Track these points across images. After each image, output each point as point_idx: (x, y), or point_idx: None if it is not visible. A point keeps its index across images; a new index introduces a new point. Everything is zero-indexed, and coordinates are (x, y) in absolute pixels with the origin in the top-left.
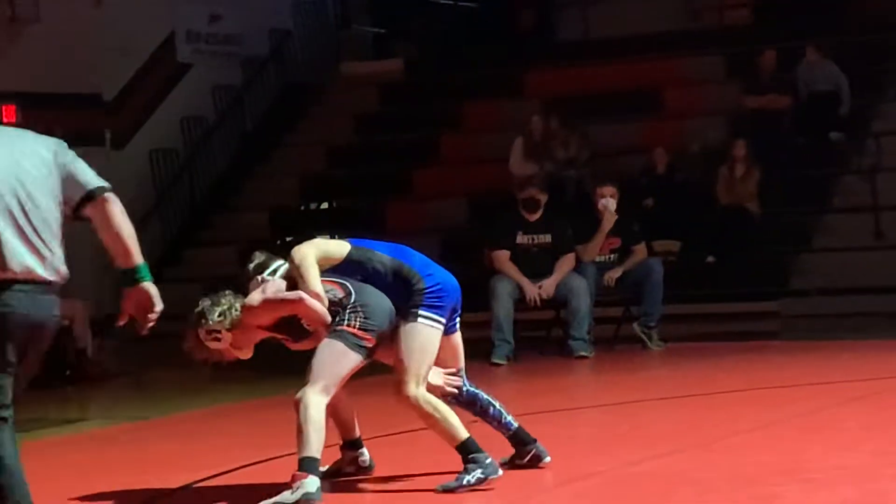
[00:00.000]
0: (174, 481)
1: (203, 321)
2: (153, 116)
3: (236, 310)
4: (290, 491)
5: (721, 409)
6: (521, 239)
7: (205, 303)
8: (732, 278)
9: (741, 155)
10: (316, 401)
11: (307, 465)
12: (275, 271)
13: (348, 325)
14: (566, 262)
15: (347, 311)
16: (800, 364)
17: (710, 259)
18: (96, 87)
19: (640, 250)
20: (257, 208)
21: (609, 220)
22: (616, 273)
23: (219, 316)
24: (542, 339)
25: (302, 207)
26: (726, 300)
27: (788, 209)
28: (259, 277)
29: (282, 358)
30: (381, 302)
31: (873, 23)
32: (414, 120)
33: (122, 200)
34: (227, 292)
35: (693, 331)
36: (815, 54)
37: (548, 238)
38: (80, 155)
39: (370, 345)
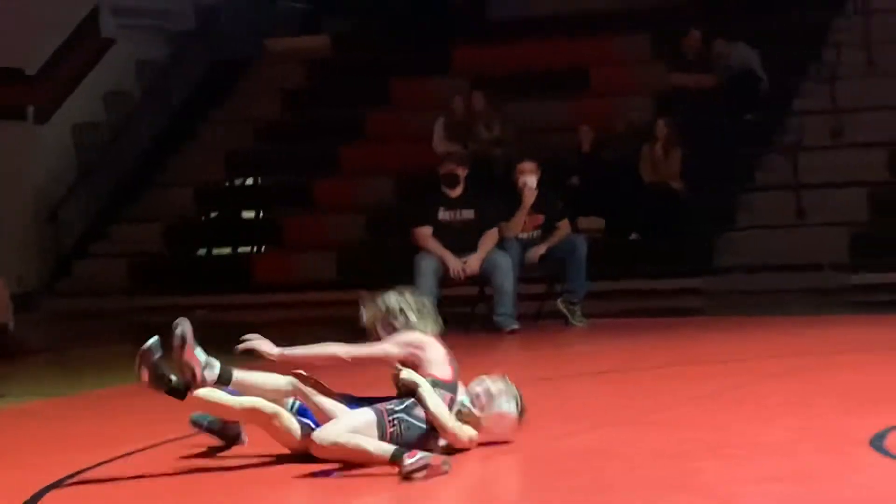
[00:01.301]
0: (95, 457)
1: None
2: (77, 91)
3: None
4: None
5: (644, 385)
6: (444, 215)
7: None
8: (657, 255)
9: (663, 134)
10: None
11: (395, 456)
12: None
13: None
14: (489, 238)
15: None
16: (722, 340)
17: (635, 236)
18: (18, 62)
19: (564, 227)
20: (183, 184)
21: (529, 197)
22: (540, 250)
23: None
24: (466, 316)
25: (228, 184)
26: (650, 277)
27: (712, 187)
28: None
29: (206, 336)
30: None
31: (796, 2)
32: (341, 97)
33: (44, 175)
34: None
35: (617, 307)
36: (721, 41)
37: (471, 214)
38: (2, 129)
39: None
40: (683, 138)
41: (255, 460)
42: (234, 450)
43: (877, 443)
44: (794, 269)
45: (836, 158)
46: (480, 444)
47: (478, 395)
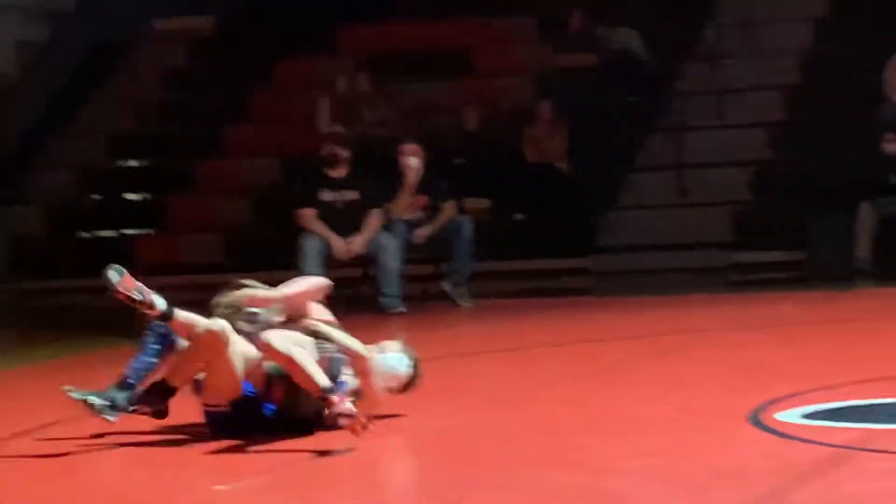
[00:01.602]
0: None
1: None
2: None
3: None
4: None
5: (529, 364)
6: (328, 196)
7: None
8: (542, 236)
9: (546, 115)
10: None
11: (329, 390)
12: None
13: None
14: (374, 219)
15: None
16: (608, 319)
17: (520, 217)
18: None
19: (449, 208)
20: (64, 167)
21: (413, 178)
22: (425, 231)
23: None
24: (351, 297)
25: (111, 166)
26: (536, 257)
27: (597, 168)
28: None
29: (91, 319)
30: None
31: None
32: (225, 77)
33: None
34: None
35: (503, 288)
36: (611, 16)
37: (355, 195)
38: None
39: None
40: (567, 119)
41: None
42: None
43: (755, 418)
44: (677, 248)
45: (718, 138)
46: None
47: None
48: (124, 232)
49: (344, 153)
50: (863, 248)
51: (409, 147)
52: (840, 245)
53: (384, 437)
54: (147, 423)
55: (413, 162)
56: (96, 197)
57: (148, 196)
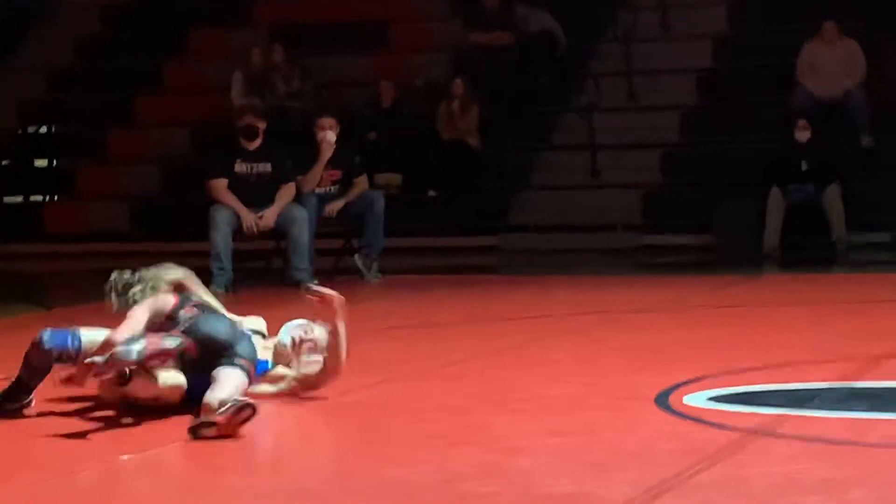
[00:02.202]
0: None
1: None
2: None
3: None
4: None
5: (437, 341)
6: (240, 167)
7: None
8: (453, 213)
9: (460, 92)
10: None
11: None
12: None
13: None
14: (286, 192)
15: None
16: (516, 298)
17: (432, 193)
18: None
19: (362, 182)
20: None
21: (327, 151)
22: (338, 205)
23: None
24: (262, 270)
25: (20, 132)
26: (447, 234)
27: (509, 146)
28: None
29: None
30: None
31: None
32: (137, 45)
33: None
34: None
35: (414, 264)
36: (522, 5)
37: (267, 167)
38: None
39: None
40: (480, 96)
41: None
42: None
43: (661, 400)
44: (587, 229)
45: (630, 120)
46: (273, 398)
47: (299, 338)
48: (32, 198)
49: (262, 125)
50: (771, 233)
51: (326, 121)
52: (748, 230)
53: (285, 412)
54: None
55: (329, 136)
56: (4, 162)
57: (56, 162)
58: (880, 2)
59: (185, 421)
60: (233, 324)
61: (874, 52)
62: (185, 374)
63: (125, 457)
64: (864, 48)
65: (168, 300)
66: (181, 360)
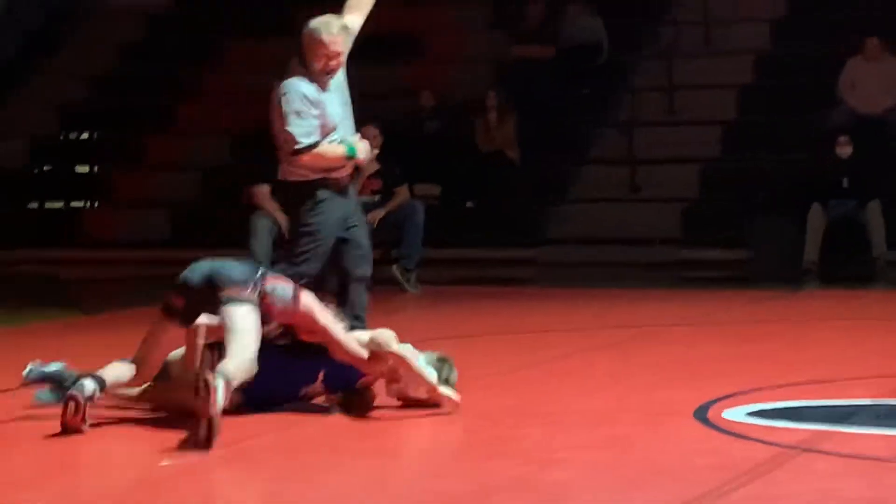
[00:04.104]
0: None
1: None
2: None
3: None
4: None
5: (473, 353)
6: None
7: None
8: (491, 224)
9: (493, 104)
10: None
11: None
12: None
13: None
14: None
15: None
16: (553, 310)
17: (469, 204)
18: None
19: (403, 192)
20: (15, 137)
21: (369, 162)
22: (379, 214)
23: None
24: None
25: (62, 137)
26: (484, 246)
27: (548, 158)
28: None
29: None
30: None
31: None
32: (179, 53)
33: None
34: None
35: (451, 275)
36: (579, 6)
37: None
38: None
39: None
40: (519, 109)
41: None
42: None
43: (700, 414)
44: (625, 242)
45: (670, 135)
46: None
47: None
48: (72, 204)
49: None
50: (811, 249)
51: (369, 131)
52: (787, 246)
53: (332, 420)
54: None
55: (371, 146)
56: (45, 168)
57: (96, 169)
58: None
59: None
60: (218, 259)
61: None
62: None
63: (165, 462)
64: None
65: None
66: (167, 310)
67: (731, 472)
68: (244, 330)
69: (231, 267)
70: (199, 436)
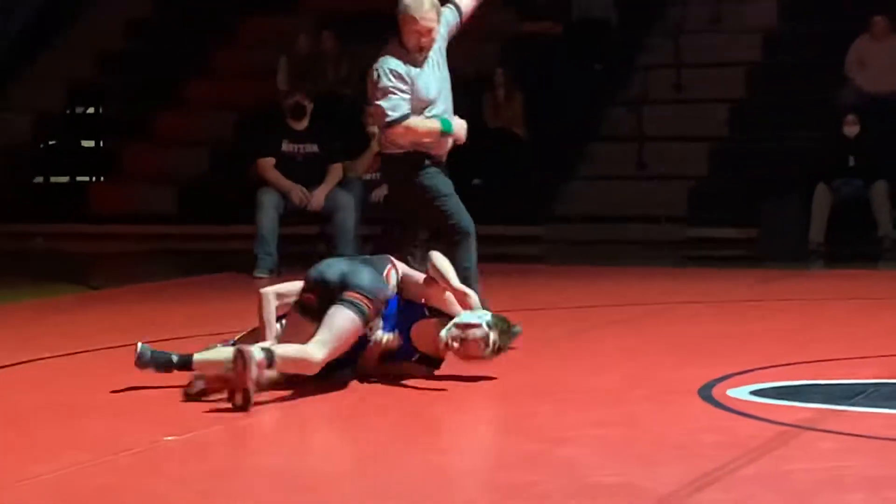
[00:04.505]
0: None
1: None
2: None
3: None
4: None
5: None
6: (287, 147)
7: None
8: (498, 201)
9: (500, 81)
10: None
11: None
12: None
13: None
14: (334, 172)
15: None
16: (560, 288)
17: (477, 181)
18: None
19: None
20: (22, 111)
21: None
22: (383, 190)
23: None
24: (307, 255)
25: (69, 112)
26: (491, 223)
27: (556, 136)
28: None
29: (41, 264)
30: None
31: None
32: (188, 30)
33: None
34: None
35: None
36: None
37: (314, 148)
38: None
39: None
40: (528, 86)
41: None
42: None
43: (704, 392)
44: (632, 220)
45: (678, 113)
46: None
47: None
48: (78, 179)
49: (309, 105)
50: (817, 229)
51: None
52: (794, 225)
53: (336, 395)
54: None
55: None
56: (52, 143)
57: (103, 144)
58: None
59: (224, 404)
60: (352, 261)
61: None
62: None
63: (168, 438)
64: None
65: None
66: (302, 309)
67: (738, 450)
68: (333, 331)
69: (363, 273)
70: (235, 404)
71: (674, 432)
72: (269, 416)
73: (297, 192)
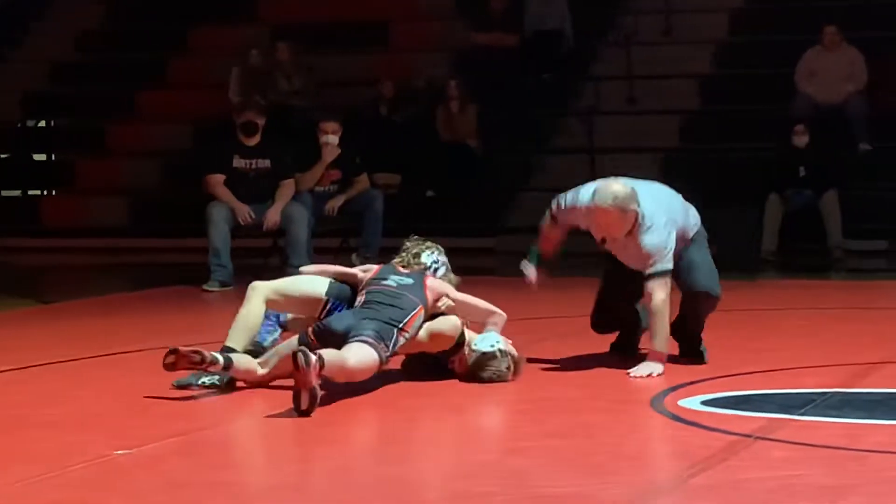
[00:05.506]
0: None
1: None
2: None
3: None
4: None
5: None
6: (238, 163)
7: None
8: (451, 214)
9: (454, 93)
10: None
11: None
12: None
13: None
14: (286, 189)
15: None
16: (513, 300)
17: (430, 193)
18: None
19: (362, 181)
20: None
21: (330, 155)
22: (338, 202)
23: None
24: (259, 267)
25: (20, 125)
26: (444, 235)
27: (509, 148)
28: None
29: None
30: None
31: None
32: (141, 40)
33: None
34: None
35: None
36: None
37: (266, 163)
38: None
39: None
40: (481, 97)
41: None
42: None
43: (657, 403)
44: (584, 232)
45: (630, 124)
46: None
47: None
48: (30, 192)
49: (261, 121)
50: (769, 239)
51: (330, 125)
52: (747, 236)
53: (288, 411)
54: (60, 390)
55: (332, 139)
56: (3, 156)
57: (55, 157)
58: (882, 9)
59: (178, 418)
60: (356, 313)
61: (875, 59)
62: None
63: (119, 452)
64: (865, 55)
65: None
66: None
67: (690, 460)
68: (356, 359)
69: (368, 326)
70: (300, 405)
71: (627, 443)
72: (222, 429)
73: (243, 213)
